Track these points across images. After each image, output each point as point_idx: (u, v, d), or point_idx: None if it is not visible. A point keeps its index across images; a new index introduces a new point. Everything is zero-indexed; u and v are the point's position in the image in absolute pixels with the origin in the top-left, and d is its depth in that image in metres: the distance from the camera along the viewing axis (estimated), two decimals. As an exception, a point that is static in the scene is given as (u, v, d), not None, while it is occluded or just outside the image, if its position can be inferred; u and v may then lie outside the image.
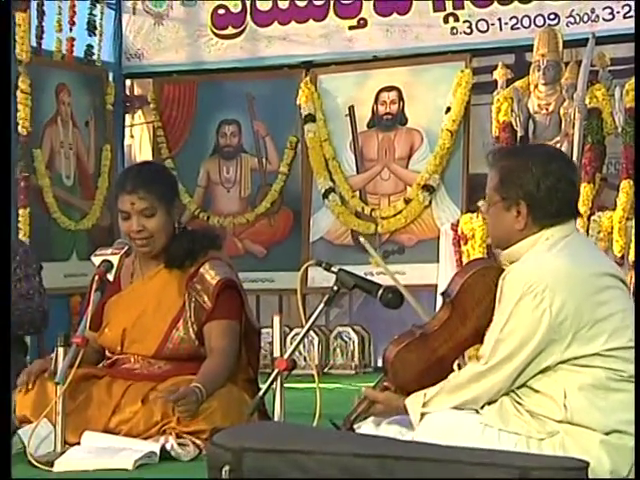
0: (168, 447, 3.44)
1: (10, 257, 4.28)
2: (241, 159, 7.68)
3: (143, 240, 3.79)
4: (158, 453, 3.39)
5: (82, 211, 7.32)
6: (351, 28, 7.28)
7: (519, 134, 6.44)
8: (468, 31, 6.93)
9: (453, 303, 3.08)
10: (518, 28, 6.80)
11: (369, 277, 3.59)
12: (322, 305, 3.31)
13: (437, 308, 5.38)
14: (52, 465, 3.26)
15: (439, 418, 2.94)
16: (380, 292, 3.25)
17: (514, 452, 2.72)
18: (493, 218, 3.09)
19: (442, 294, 3.14)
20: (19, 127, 6.67)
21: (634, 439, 2.77)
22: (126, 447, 3.40)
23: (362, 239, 3.71)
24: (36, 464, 3.27)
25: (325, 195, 7.32)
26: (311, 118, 7.33)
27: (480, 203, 3.11)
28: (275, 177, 7.54)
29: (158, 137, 7.81)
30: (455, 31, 6.97)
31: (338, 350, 7.18)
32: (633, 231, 5.70)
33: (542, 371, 2.92)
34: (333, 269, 3.32)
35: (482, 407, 2.96)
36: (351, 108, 7.33)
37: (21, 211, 6.71)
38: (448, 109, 6.95)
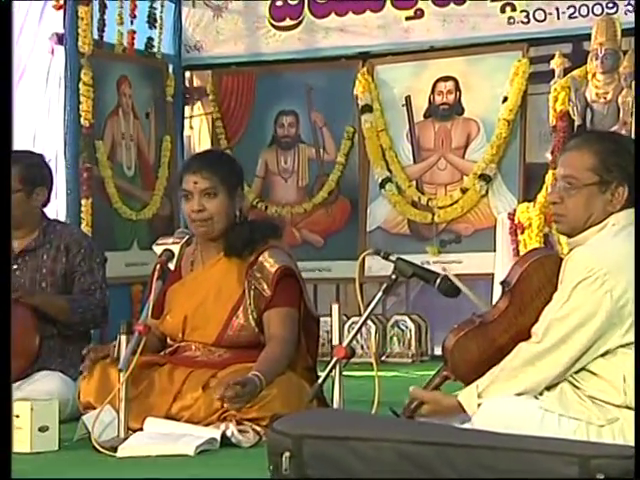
0: (229, 434, 3.45)
1: (10, 255, 4.30)
2: (299, 149, 7.69)
3: (203, 221, 3.80)
4: (219, 439, 3.40)
5: (143, 201, 7.37)
6: (408, 19, 7.25)
7: (576, 123, 6.38)
8: (525, 20, 6.88)
9: (512, 292, 3.06)
10: (576, 17, 6.73)
11: (426, 266, 3.57)
12: (380, 293, 3.31)
13: (494, 297, 5.36)
14: (116, 450, 3.29)
15: (496, 405, 2.92)
16: (438, 281, 3.24)
17: (573, 440, 2.70)
18: (582, 200, 3.01)
19: (501, 283, 3.12)
20: (81, 119, 6.72)
21: (634, 439, 2.71)
22: (187, 433, 3.42)
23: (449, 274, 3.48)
24: (100, 449, 3.30)
25: (382, 185, 7.31)
26: (368, 108, 7.32)
27: (557, 186, 3.04)
28: (332, 167, 7.54)
29: (217, 128, 7.85)
30: (512, 21, 6.92)
31: (395, 339, 7.17)
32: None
33: (601, 355, 2.90)
34: (391, 258, 3.32)
35: (541, 392, 2.94)
36: (408, 98, 7.30)
37: (83, 201, 6.76)
38: (505, 99, 6.90)
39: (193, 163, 3.88)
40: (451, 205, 7.12)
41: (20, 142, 6.92)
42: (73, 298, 4.41)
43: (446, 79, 7.19)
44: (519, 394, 2.94)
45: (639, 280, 2.86)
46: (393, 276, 3.31)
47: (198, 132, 8.23)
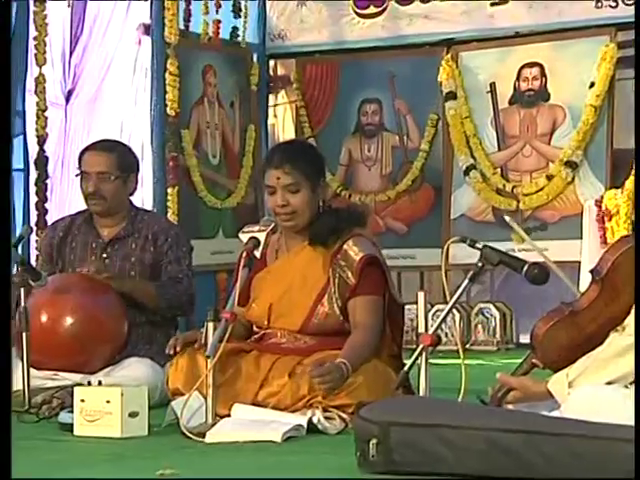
0: (315, 420, 3.47)
1: (10, 252, 4.35)
2: (382, 137, 7.69)
3: (287, 215, 3.81)
4: (305, 426, 3.42)
5: (228, 189, 7.42)
6: (493, 5, 7.20)
7: (666, 108, 6.27)
8: (613, 4, 6.78)
9: (603, 281, 3.03)
10: (666, -1, 6.61)
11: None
12: (466, 281, 3.30)
13: (581, 285, 5.30)
14: (204, 436, 3.33)
15: (587, 394, 2.89)
16: (525, 268, 3.22)
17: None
18: None
19: (591, 272, 3.09)
20: (168, 108, 6.79)
21: (634, 439, 2.65)
22: (274, 420, 3.44)
23: (507, 217, 3.66)
24: (189, 435, 3.34)
25: (466, 172, 7.28)
26: (452, 95, 7.28)
27: None
28: (416, 154, 7.52)
29: (301, 116, 7.87)
30: (600, 5, 6.82)
31: (480, 326, 7.14)
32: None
33: None
34: (478, 245, 3.31)
35: (630, 382, 2.90)
36: (492, 85, 7.25)
37: (170, 190, 6.83)
38: (592, 84, 6.82)
39: (275, 157, 3.88)
40: (536, 192, 7.06)
41: (108, 132, 7.03)
42: (161, 285, 4.47)
43: (532, 65, 7.12)
44: (609, 383, 2.91)
45: (639, 281, 2.80)
46: (479, 264, 3.29)
47: (282, 120, 8.26)
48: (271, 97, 8.15)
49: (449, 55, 7.30)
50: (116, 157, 4.49)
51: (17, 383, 4.02)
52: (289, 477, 2.77)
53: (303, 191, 3.81)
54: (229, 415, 3.54)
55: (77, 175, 4.54)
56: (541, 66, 7.09)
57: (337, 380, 3.50)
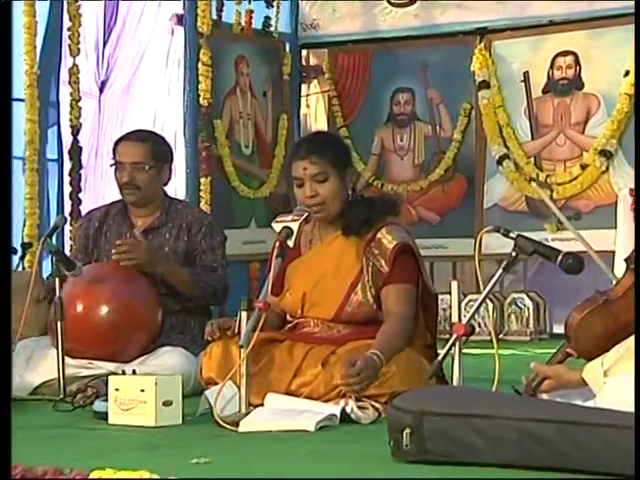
0: (348, 410, 3.47)
1: (10, 250, 4.37)
2: (415, 127, 7.67)
3: (317, 206, 3.81)
4: (339, 416, 3.42)
5: (260, 179, 7.44)
6: (526, -7, 7.16)
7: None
8: (648, -9, 6.72)
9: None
10: (703, -15, 6.54)
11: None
12: (500, 271, 3.29)
13: (616, 274, 5.27)
14: (237, 425, 3.33)
15: (622, 383, 2.88)
16: (560, 257, 3.20)
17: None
18: None
19: (625, 260, 3.07)
20: (200, 98, 6.80)
21: (634, 437, 2.62)
22: (307, 409, 3.44)
23: (544, 197, 3.64)
24: (222, 424, 3.35)
25: (499, 161, 7.26)
26: (485, 84, 7.26)
27: None
28: (449, 144, 7.51)
29: (333, 106, 7.87)
30: (634, -8, 6.76)
31: (513, 316, 7.12)
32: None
33: None
34: (512, 235, 3.30)
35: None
36: (526, 74, 7.22)
37: (202, 180, 6.85)
38: (627, 72, 6.77)
39: (300, 149, 3.88)
40: (570, 182, 7.03)
41: (141, 122, 7.06)
42: (196, 272, 4.48)
43: (565, 54, 7.08)
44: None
45: (639, 276, 2.78)
46: (513, 253, 3.28)
47: (314, 110, 8.27)
48: (303, 87, 8.15)
49: (482, 44, 7.28)
50: (150, 147, 4.51)
51: (52, 372, 4.05)
52: (322, 466, 2.77)
53: (331, 180, 3.81)
54: (262, 404, 3.55)
55: (112, 165, 4.56)
56: (575, 54, 7.05)
57: (370, 377, 3.48)
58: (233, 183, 7.17)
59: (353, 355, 3.56)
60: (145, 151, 4.49)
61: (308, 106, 8.29)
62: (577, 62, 7.05)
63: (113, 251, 4.34)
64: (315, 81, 8.22)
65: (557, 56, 7.12)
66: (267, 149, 7.50)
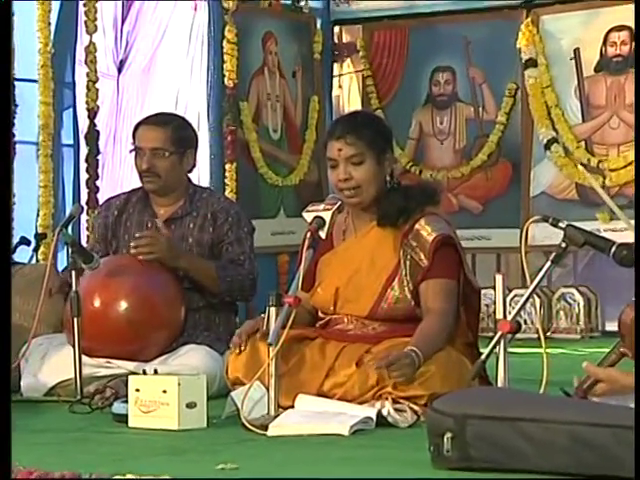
0: (385, 412, 3.47)
1: (10, 247, 4.38)
2: (456, 108, 7.67)
3: (350, 190, 3.80)
4: (374, 419, 3.42)
5: (289, 166, 7.45)
6: (577, -37, 7.13)
7: None
8: None
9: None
10: None
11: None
12: (549, 264, 3.28)
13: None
14: (266, 429, 3.34)
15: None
16: (613, 249, 3.19)
17: None
18: None
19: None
20: (225, 79, 6.83)
21: (634, 437, 2.61)
22: (341, 412, 3.44)
23: (595, 184, 3.63)
24: (250, 427, 3.36)
25: (547, 146, 7.24)
26: (532, 63, 7.24)
27: None
28: (492, 127, 7.50)
29: (367, 87, 7.87)
30: (695, -39, 6.72)
31: (562, 313, 7.11)
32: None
33: None
34: (561, 225, 3.29)
35: None
36: (576, 51, 7.19)
37: (228, 166, 6.87)
38: (686, 48, 6.73)
39: (336, 128, 3.88)
40: (624, 167, 7.00)
41: (162, 104, 7.08)
42: (221, 265, 4.49)
43: (620, 29, 7.05)
44: None
45: (639, 280, 2.75)
46: (563, 245, 3.27)
47: (347, 91, 8.27)
48: (336, 66, 8.15)
49: (529, 19, 7.26)
50: (171, 132, 4.51)
51: (69, 371, 4.08)
52: (357, 473, 2.78)
53: (367, 163, 3.81)
54: (293, 406, 3.55)
55: (131, 151, 4.58)
56: (630, 29, 7.01)
57: (408, 367, 3.49)
58: (260, 170, 7.19)
59: (389, 352, 3.57)
60: (165, 136, 4.50)
61: (340, 87, 8.28)
62: (632, 38, 7.01)
63: (132, 244, 4.35)
64: (348, 60, 8.21)
65: (610, 31, 7.08)
66: (297, 133, 7.51)
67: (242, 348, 3.78)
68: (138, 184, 4.66)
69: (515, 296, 6.58)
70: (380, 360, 3.52)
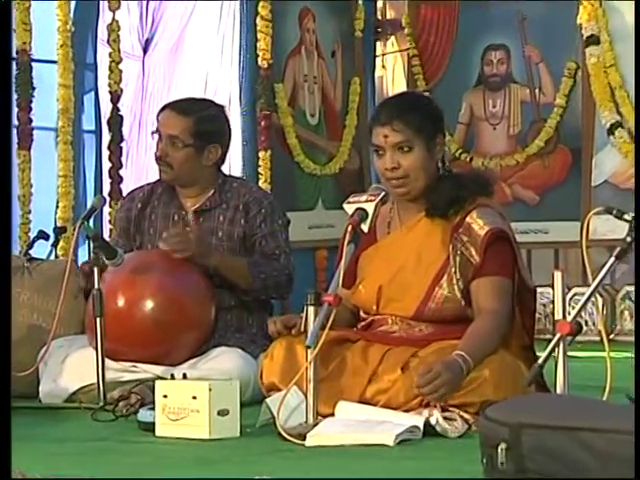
0: (433, 421, 3.47)
1: (10, 244, 4.39)
2: (510, 90, 7.66)
3: (398, 180, 3.81)
4: (422, 428, 3.43)
5: (328, 153, 7.46)
6: None
7: None
8: None
9: None
10: None
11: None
12: (612, 260, 3.27)
13: None
14: (304, 438, 3.35)
15: None
16: (683, 244, 3.18)
17: None
18: None
19: None
20: (259, 59, 6.84)
21: (634, 438, 2.59)
22: (385, 420, 3.45)
23: None
24: (287, 437, 3.37)
25: (610, 130, 7.20)
26: (594, 40, 7.21)
27: None
28: (550, 110, 7.48)
29: (413, 67, 7.87)
30: None
31: (626, 313, 7.08)
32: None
33: None
34: (626, 217, 3.28)
35: None
36: (643, 26, 7.15)
37: (262, 154, 6.88)
38: None
39: (382, 113, 3.88)
40: (695, 153, 6.96)
41: (190, 88, 7.10)
42: (255, 261, 4.50)
43: (692, 0, 7.01)
44: None
45: (639, 280, 2.73)
46: (628, 239, 3.26)
47: (392, 72, 8.27)
48: (379, 45, 8.16)
49: (591, -8, 7.23)
50: (193, 123, 4.50)
51: (91, 376, 4.11)
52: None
53: (416, 150, 3.81)
54: (333, 414, 3.57)
55: (153, 133, 4.60)
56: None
57: (451, 383, 3.48)
58: (297, 158, 7.20)
59: (437, 358, 3.57)
60: (185, 126, 4.49)
61: (384, 67, 8.29)
62: None
63: (160, 244, 4.37)
64: (392, 38, 8.21)
65: (681, 4, 7.04)
66: (336, 118, 7.52)
67: (277, 328, 3.79)
68: (165, 174, 4.68)
69: (575, 295, 6.57)
70: (420, 376, 3.48)
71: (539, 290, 4.03)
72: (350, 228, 3.65)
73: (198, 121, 4.53)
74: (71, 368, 4.29)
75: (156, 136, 4.57)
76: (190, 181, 4.55)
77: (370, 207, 3.66)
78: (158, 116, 4.60)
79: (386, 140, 3.80)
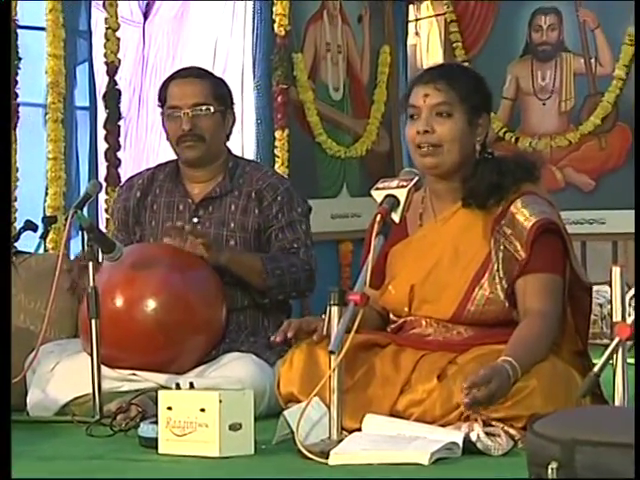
0: (473, 437, 3.49)
1: (10, 242, 4.40)
2: (561, 60, 7.65)
3: (429, 148, 3.81)
4: (461, 445, 3.44)
5: (354, 133, 7.47)
6: None
7: None
8: None
9: None
10: None
11: None
12: (679, 254, 3.29)
13: None
14: (327, 456, 3.37)
15: None
16: None
17: None
18: None
19: None
20: (275, 26, 6.84)
21: (634, 439, 2.59)
22: (419, 436, 3.46)
23: None
24: (307, 454, 3.38)
25: (677, 106, 7.20)
26: (658, 3, 7.19)
27: None
28: (608, 83, 7.47)
29: (451, 34, 7.87)
30: None
31: (694, 315, 7.06)
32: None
33: None
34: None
35: None
36: None
37: (278, 133, 6.89)
38: None
39: (427, 73, 3.94)
40: None
41: (197, 58, 7.12)
42: (270, 257, 4.52)
43: None
44: None
45: (639, 273, 2.72)
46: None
47: (426, 40, 8.27)
48: (412, 9, 8.16)
49: (654, -54, 7.21)
50: (211, 86, 4.57)
51: (85, 385, 4.13)
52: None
53: (456, 118, 3.82)
54: (359, 429, 3.58)
55: (162, 113, 4.62)
56: None
57: (500, 390, 3.50)
58: (318, 138, 7.21)
59: (478, 366, 3.58)
60: (207, 90, 4.55)
61: (418, 34, 8.29)
62: None
63: (165, 239, 4.39)
64: (427, 1, 8.21)
65: None
66: (363, 93, 7.53)
67: (288, 336, 3.80)
68: (168, 156, 4.71)
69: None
70: (467, 383, 3.50)
71: (595, 288, 4.03)
72: (379, 218, 3.64)
73: (215, 84, 4.61)
74: (63, 377, 4.32)
75: (163, 115, 4.60)
76: (216, 156, 4.59)
77: (402, 194, 3.65)
78: (166, 92, 4.61)
79: (425, 99, 3.82)
